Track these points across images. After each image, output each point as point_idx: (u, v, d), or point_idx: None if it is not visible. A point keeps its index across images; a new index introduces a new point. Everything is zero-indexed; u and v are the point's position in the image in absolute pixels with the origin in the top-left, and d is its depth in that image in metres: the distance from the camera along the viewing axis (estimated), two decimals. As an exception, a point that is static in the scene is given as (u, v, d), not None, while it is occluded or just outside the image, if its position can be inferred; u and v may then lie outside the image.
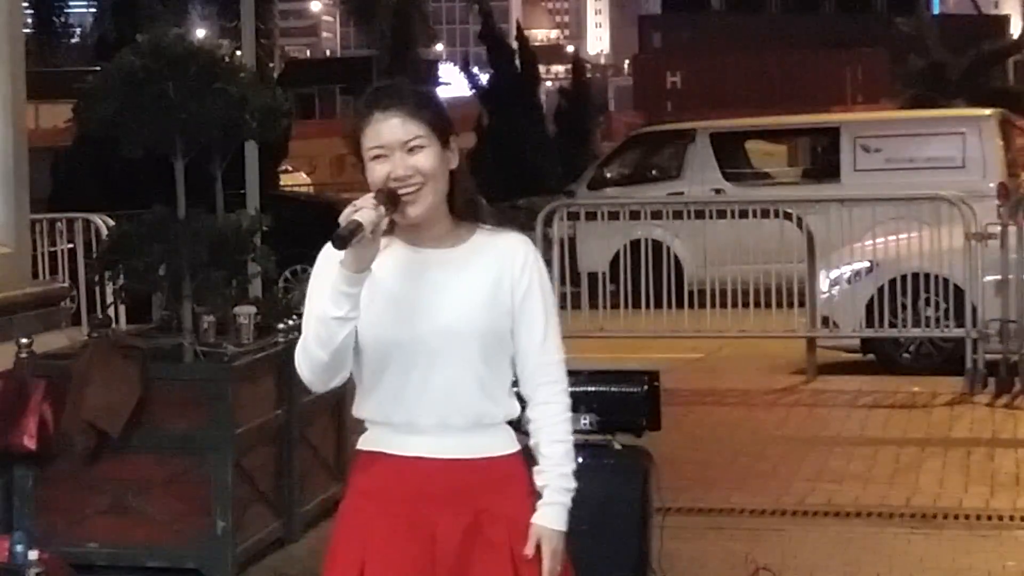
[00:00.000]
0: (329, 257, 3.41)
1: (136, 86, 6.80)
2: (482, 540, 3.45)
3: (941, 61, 35.92)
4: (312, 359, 3.40)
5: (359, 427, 3.59)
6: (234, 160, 7.71)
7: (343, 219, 3.28)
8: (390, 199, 3.36)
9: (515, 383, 3.56)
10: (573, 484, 3.52)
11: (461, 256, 3.47)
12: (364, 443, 3.54)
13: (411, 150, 3.40)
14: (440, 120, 3.45)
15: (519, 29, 41.00)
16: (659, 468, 6.01)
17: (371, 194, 3.36)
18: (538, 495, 3.50)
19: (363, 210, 3.29)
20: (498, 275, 3.47)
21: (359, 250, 3.29)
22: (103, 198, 14.69)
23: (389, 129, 3.40)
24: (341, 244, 3.25)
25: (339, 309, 3.33)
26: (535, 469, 3.52)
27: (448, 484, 3.45)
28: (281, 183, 24.05)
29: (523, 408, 3.55)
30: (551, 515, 3.48)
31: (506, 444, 3.53)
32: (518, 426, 3.58)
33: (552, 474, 3.50)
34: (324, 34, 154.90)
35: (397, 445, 3.47)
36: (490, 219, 3.54)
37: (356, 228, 3.26)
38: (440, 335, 3.42)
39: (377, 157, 3.41)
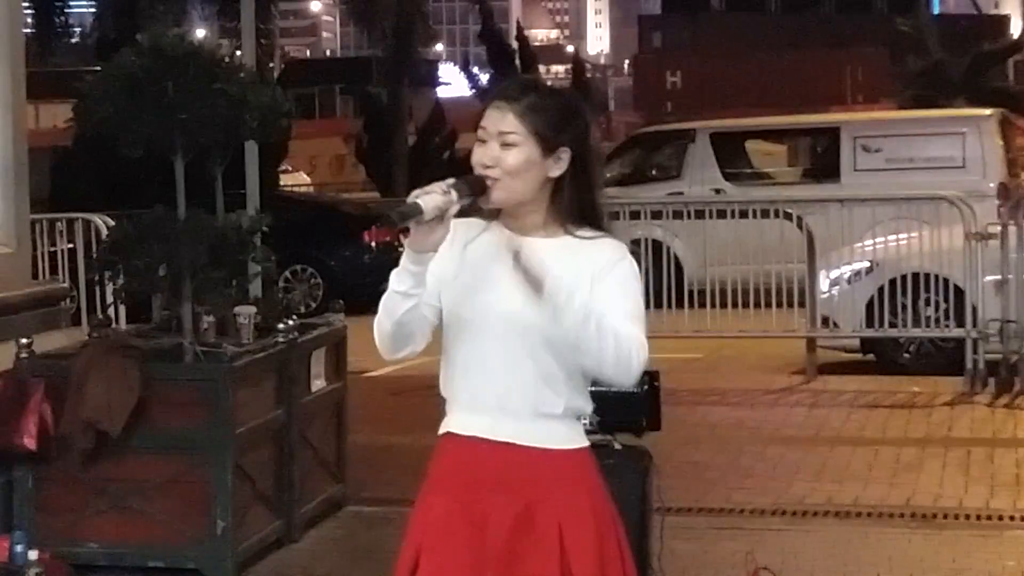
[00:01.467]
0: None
1: (136, 86, 6.79)
2: (531, 530, 3.50)
3: (941, 61, 35.92)
4: (379, 326, 3.54)
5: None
6: (234, 160, 7.71)
7: (410, 198, 3.37)
8: (475, 185, 3.48)
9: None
10: (560, 293, 3.37)
11: (548, 249, 3.52)
12: (441, 427, 3.64)
13: (504, 144, 3.51)
14: (551, 128, 3.52)
15: (519, 29, 41.11)
16: (659, 468, 6.01)
17: (451, 180, 3.45)
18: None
19: (431, 194, 3.39)
20: (579, 277, 3.49)
21: (422, 231, 3.39)
22: (103, 198, 14.70)
23: (494, 117, 3.53)
24: (390, 222, 3.36)
25: (401, 284, 3.46)
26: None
27: (501, 469, 3.52)
28: (281, 183, 24.06)
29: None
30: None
31: (567, 439, 3.58)
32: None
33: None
34: (324, 34, 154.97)
35: (460, 424, 3.58)
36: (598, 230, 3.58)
37: (413, 210, 3.35)
38: (504, 320, 3.50)
39: (479, 140, 3.55)
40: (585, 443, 3.62)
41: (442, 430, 3.63)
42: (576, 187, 3.57)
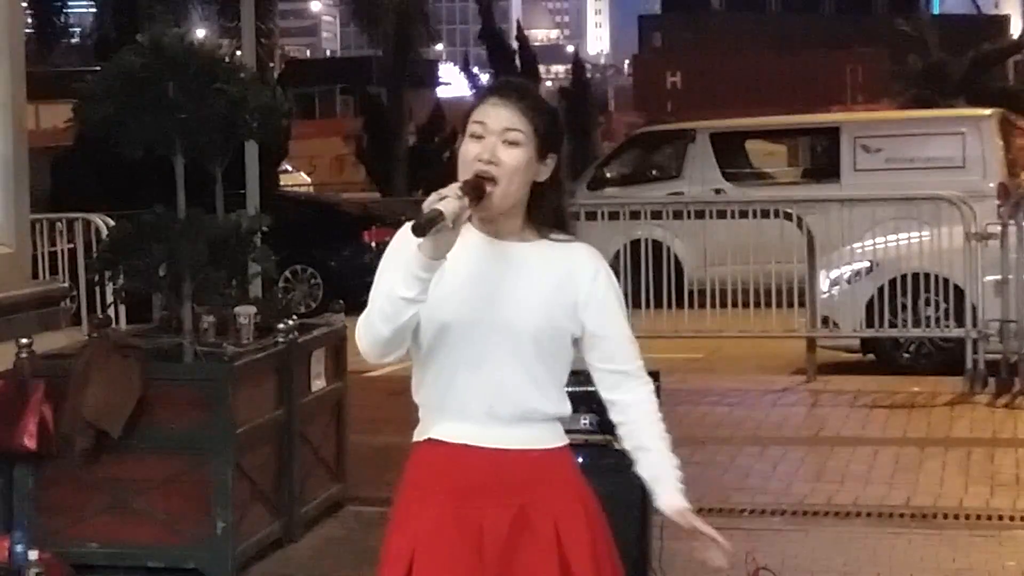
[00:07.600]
0: (409, 235, 3.44)
1: (136, 86, 6.80)
2: (528, 532, 3.48)
3: (941, 61, 35.90)
4: (374, 332, 3.44)
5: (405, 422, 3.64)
6: (234, 160, 7.71)
7: (426, 206, 3.31)
8: (475, 190, 3.40)
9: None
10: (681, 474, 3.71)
11: (529, 254, 3.53)
12: (417, 434, 3.59)
13: (507, 142, 3.47)
14: (547, 133, 3.52)
15: (519, 29, 41.10)
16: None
17: (457, 184, 3.39)
18: (643, 488, 3.74)
19: (447, 199, 3.32)
20: (563, 280, 3.53)
21: (438, 238, 3.31)
22: (103, 198, 14.68)
23: (496, 113, 3.49)
24: (420, 232, 3.28)
25: (409, 291, 3.36)
26: (644, 462, 3.67)
27: (493, 475, 3.49)
28: (281, 183, 24.03)
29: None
30: (682, 498, 3.83)
31: (553, 438, 3.58)
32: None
33: (667, 465, 3.73)
34: (324, 34, 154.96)
35: (445, 432, 3.52)
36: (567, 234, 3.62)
37: (437, 217, 3.29)
38: (496, 327, 3.47)
39: (474, 136, 3.49)
40: (566, 441, 3.62)
41: (421, 436, 3.57)
42: (556, 194, 3.57)
